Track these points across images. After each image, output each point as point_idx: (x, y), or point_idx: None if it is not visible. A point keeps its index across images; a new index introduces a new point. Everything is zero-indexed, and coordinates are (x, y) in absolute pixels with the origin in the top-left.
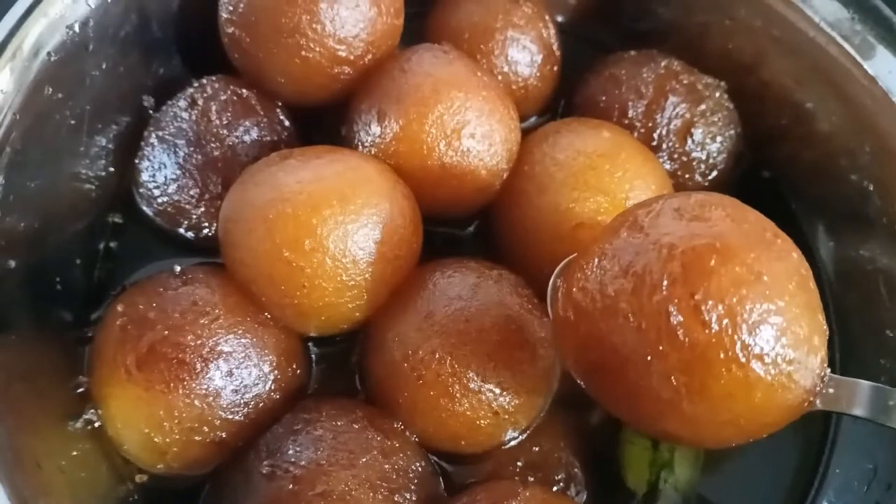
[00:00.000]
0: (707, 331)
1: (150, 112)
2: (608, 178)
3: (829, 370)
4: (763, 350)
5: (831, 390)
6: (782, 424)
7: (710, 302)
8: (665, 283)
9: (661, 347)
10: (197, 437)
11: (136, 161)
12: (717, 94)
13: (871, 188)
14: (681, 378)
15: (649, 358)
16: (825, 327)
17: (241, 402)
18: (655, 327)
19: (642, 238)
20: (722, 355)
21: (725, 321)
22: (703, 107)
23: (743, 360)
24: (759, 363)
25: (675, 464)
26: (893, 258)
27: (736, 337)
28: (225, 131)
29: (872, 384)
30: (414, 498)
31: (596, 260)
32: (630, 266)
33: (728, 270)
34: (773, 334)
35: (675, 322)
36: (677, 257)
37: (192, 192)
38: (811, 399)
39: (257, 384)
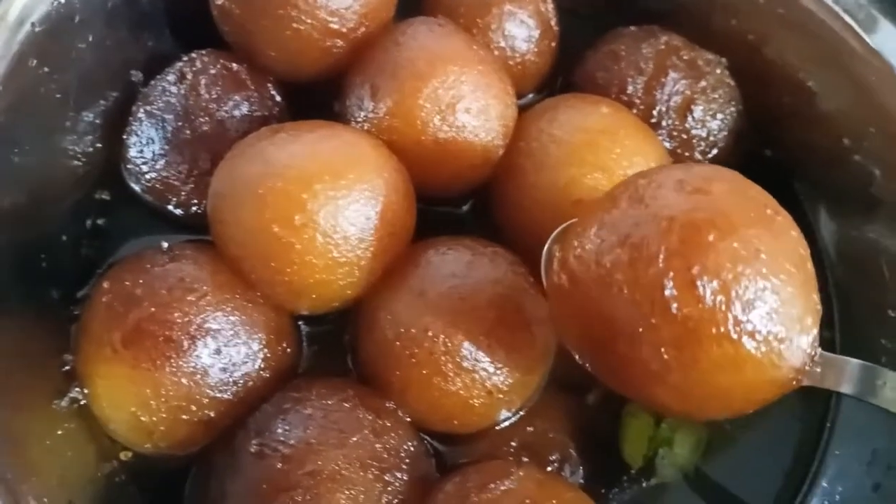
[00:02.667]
0: (700, 305)
1: (139, 87)
2: (607, 154)
3: (819, 349)
4: (755, 327)
5: (819, 368)
6: (769, 400)
7: (706, 277)
8: (662, 255)
9: (653, 320)
10: (184, 416)
11: (125, 136)
12: (718, 71)
13: (875, 168)
14: (671, 351)
15: (641, 330)
16: (819, 307)
17: (230, 380)
18: (649, 300)
19: (642, 209)
20: (714, 331)
21: (720, 297)
22: (703, 83)
23: (735, 336)
24: (750, 340)
25: (675, 443)
26: None
27: (729, 313)
28: (214, 106)
29: (861, 363)
30: (405, 478)
31: (594, 228)
32: (628, 237)
33: (726, 246)
34: (767, 312)
35: (669, 295)
36: (676, 230)
37: (180, 168)
38: (799, 377)
39: (246, 362)
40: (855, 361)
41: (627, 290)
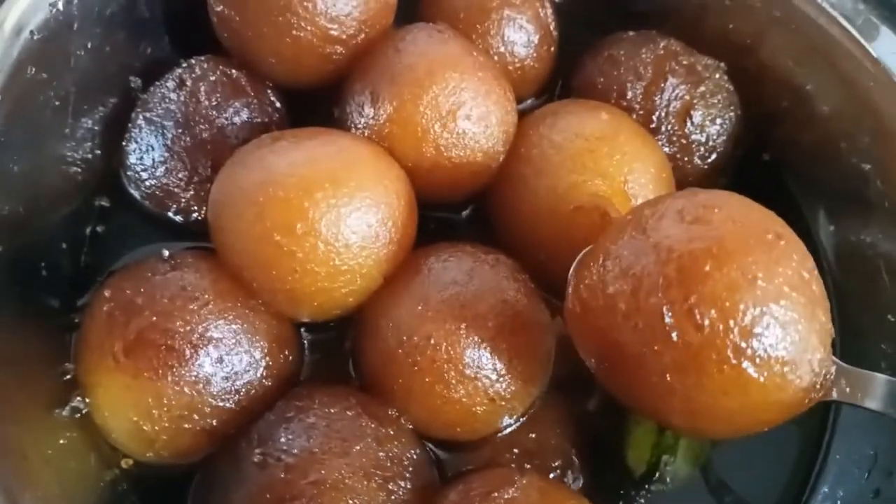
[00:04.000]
0: (699, 333)
1: (138, 93)
2: (606, 160)
3: (833, 367)
4: (755, 352)
5: (845, 384)
6: (782, 420)
7: (703, 306)
8: (661, 285)
9: (656, 347)
10: (187, 426)
11: (124, 143)
12: (717, 76)
13: (872, 171)
14: (675, 376)
15: (646, 356)
16: (829, 326)
17: (232, 389)
18: (651, 327)
19: (643, 240)
20: (714, 356)
21: (718, 325)
22: (702, 88)
23: (735, 361)
24: (750, 364)
25: (678, 450)
26: (894, 242)
27: (728, 340)
28: (214, 112)
29: (888, 378)
30: (409, 486)
31: (601, 258)
32: (630, 267)
33: (723, 275)
34: (766, 337)
35: (669, 324)
36: (674, 261)
37: (180, 175)
38: (812, 396)
39: (248, 371)
40: (882, 377)
41: (631, 319)
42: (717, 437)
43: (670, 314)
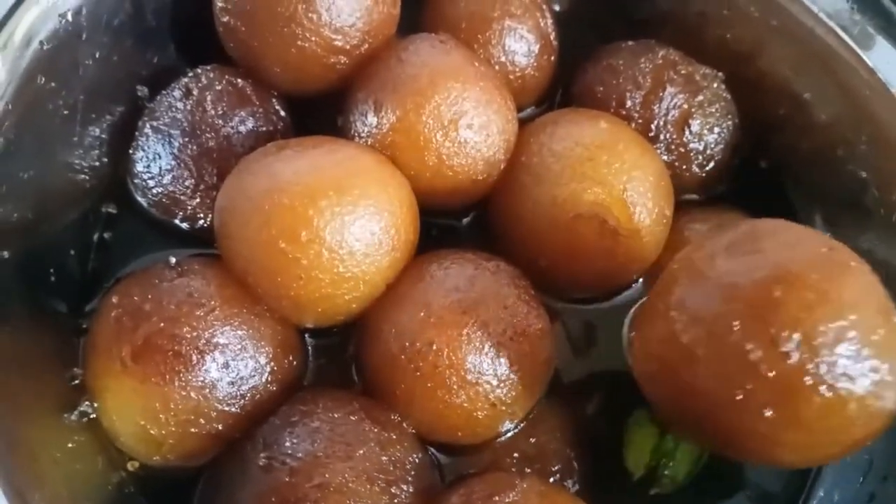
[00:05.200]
0: (789, 360)
1: (145, 102)
2: (606, 169)
3: None
4: (847, 366)
5: None
6: (885, 429)
7: (786, 332)
8: (737, 322)
9: (749, 386)
10: (193, 430)
11: (131, 151)
12: (715, 85)
13: (869, 179)
14: (775, 410)
15: (740, 397)
16: None
17: (238, 393)
18: (738, 367)
19: (703, 282)
20: (809, 380)
21: (804, 347)
22: (700, 97)
23: (831, 380)
24: (846, 380)
25: (677, 455)
26: (891, 249)
27: (818, 360)
28: (220, 121)
29: None
30: (411, 489)
31: (665, 310)
32: (699, 312)
33: (795, 297)
34: (854, 348)
35: (755, 359)
36: (741, 296)
37: (187, 183)
38: None
39: (254, 376)
40: None
41: (715, 363)
42: (830, 460)
43: (754, 348)
